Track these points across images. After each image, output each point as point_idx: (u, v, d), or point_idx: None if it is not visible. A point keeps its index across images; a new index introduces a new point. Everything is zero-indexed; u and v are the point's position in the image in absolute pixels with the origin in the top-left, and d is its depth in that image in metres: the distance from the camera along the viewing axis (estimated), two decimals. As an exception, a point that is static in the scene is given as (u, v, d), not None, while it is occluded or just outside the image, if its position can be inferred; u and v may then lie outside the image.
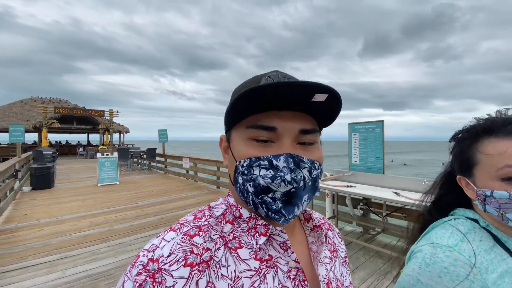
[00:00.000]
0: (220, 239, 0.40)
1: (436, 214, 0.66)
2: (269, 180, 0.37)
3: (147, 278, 0.34)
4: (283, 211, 0.38)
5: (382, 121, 3.56)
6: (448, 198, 0.66)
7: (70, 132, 24.77)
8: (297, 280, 0.40)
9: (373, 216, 3.75)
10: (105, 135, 20.71)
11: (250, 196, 0.39)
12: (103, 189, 7.28)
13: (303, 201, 0.39)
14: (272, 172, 0.37)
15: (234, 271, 0.37)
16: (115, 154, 8.61)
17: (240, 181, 0.40)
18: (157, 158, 11.30)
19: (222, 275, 0.37)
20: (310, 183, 0.39)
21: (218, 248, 0.39)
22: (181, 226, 0.40)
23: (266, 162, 0.38)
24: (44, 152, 9.05)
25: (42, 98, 23.48)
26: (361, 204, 3.74)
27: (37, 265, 2.85)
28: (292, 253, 0.41)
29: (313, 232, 0.49)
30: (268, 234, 0.40)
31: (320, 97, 0.37)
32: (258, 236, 0.40)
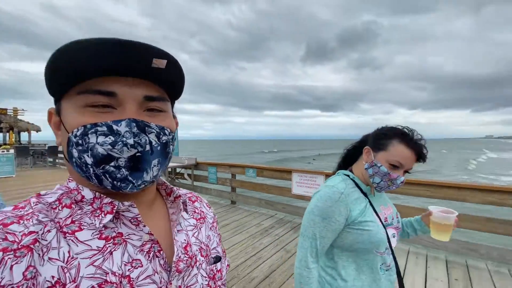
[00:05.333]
0: (52, 222, 0.35)
1: (342, 165, 1.09)
2: (109, 147, 0.34)
3: None
4: (130, 178, 0.36)
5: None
6: (350, 155, 1.07)
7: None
8: (152, 252, 0.39)
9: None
10: (9, 134, 19.70)
11: (91, 169, 0.35)
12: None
13: (152, 165, 0.38)
14: (112, 138, 0.34)
15: (69, 252, 0.34)
16: (11, 151, 9.75)
17: (75, 154, 0.36)
18: (60, 155, 12.44)
19: (50, 258, 0.33)
20: (159, 148, 0.38)
21: (49, 231, 0.34)
22: None
23: (104, 128, 0.35)
24: None
25: None
26: (170, 174, 6.50)
27: None
28: (144, 226, 0.40)
29: (174, 204, 0.49)
30: (114, 211, 0.38)
31: (159, 63, 0.37)
32: (104, 216, 0.37)
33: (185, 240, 0.46)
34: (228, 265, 0.60)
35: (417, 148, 0.87)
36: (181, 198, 0.49)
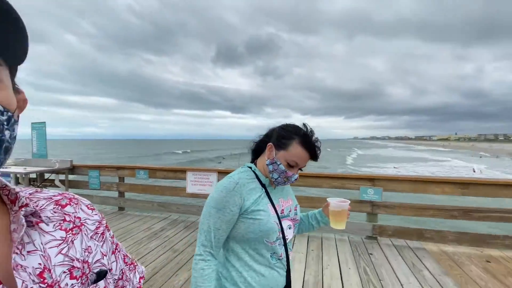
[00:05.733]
0: None
1: (252, 158, 1.10)
2: None
3: None
4: None
5: (44, 122, 5.20)
6: (258, 148, 1.07)
7: None
8: None
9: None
10: None
11: None
12: None
13: None
14: None
15: None
16: None
17: None
18: None
19: None
20: None
21: None
22: None
23: None
24: None
25: None
26: (34, 181, 5.22)
27: None
28: None
29: (17, 216, 0.34)
30: None
31: None
32: None
33: (39, 264, 0.32)
34: (141, 277, 0.51)
35: (313, 149, 0.95)
36: (25, 208, 0.33)
